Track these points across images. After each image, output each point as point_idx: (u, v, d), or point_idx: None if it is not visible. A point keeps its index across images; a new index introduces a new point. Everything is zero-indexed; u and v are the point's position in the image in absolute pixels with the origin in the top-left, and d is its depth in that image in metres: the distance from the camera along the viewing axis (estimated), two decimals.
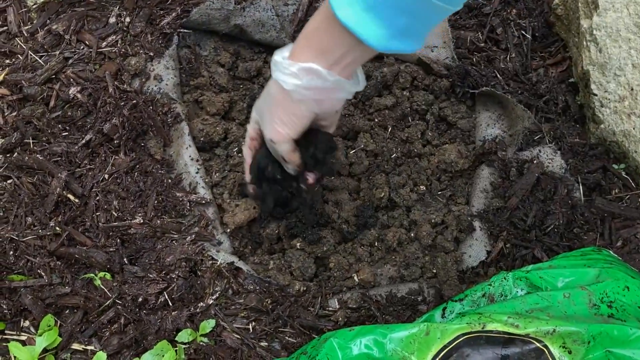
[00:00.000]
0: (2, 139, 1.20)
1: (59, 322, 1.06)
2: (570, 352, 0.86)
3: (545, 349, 0.86)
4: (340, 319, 1.07)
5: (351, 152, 1.26)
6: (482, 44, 1.37)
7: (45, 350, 1.03)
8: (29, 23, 1.35)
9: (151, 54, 1.31)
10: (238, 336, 1.06)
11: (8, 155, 1.19)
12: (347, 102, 1.33)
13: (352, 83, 0.91)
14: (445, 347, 0.87)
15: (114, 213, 1.14)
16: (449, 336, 0.87)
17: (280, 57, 0.90)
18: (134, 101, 1.23)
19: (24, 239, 1.10)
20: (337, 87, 0.89)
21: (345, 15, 0.77)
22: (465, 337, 0.87)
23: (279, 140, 0.96)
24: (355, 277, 1.14)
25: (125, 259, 1.10)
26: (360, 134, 1.28)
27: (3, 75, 1.26)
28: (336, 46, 0.84)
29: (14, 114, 1.23)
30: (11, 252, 1.09)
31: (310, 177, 1.05)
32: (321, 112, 0.94)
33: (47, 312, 1.06)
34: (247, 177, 1.11)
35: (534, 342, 0.86)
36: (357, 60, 0.87)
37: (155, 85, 1.28)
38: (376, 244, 1.18)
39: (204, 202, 1.18)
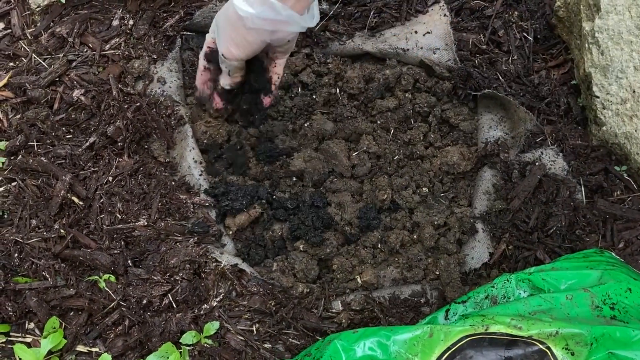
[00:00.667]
0: (7, 141, 1.20)
1: (63, 324, 1.06)
2: (573, 354, 0.86)
3: (548, 351, 0.87)
4: (343, 320, 1.08)
5: (354, 154, 1.27)
6: (484, 46, 1.38)
7: (50, 352, 1.03)
8: (32, 26, 1.35)
9: (154, 56, 1.31)
10: (242, 338, 1.06)
11: (12, 158, 1.19)
12: (350, 104, 1.33)
13: (306, 18, 0.97)
14: (448, 349, 0.87)
15: (118, 215, 1.14)
16: (453, 338, 0.88)
17: None
18: (138, 104, 1.23)
19: (29, 242, 1.11)
20: (289, 21, 0.95)
21: None
22: (469, 339, 0.87)
23: (230, 57, 1.03)
24: (359, 279, 1.14)
25: (129, 261, 1.11)
26: (363, 136, 1.29)
27: (7, 78, 1.27)
28: None
29: (18, 116, 1.23)
30: (16, 255, 1.10)
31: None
32: (273, 41, 1.01)
33: (52, 314, 1.06)
34: (199, 83, 1.17)
35: (537, 343, 0.87)
36: None
37: (159, 88, 1.28)
38: (379, 246, 1.18)
39: (207, 204, 1.18)
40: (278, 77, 1.13)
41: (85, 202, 1.15)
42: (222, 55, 1.04)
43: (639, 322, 0.91)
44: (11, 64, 1.30)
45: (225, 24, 1.00)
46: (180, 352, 1.02)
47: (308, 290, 1.13)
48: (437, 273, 1.14)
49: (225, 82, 1.12)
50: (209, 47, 1.11)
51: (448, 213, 1.21)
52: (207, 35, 1.10)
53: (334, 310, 1.10)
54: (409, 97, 1.33)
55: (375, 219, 1.19)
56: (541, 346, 0.87)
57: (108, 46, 1.33)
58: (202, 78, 1.16)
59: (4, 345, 1.04)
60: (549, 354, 0.86)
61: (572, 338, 0.86)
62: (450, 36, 1.35)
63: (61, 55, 1.30)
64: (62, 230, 1.11)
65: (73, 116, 1.24)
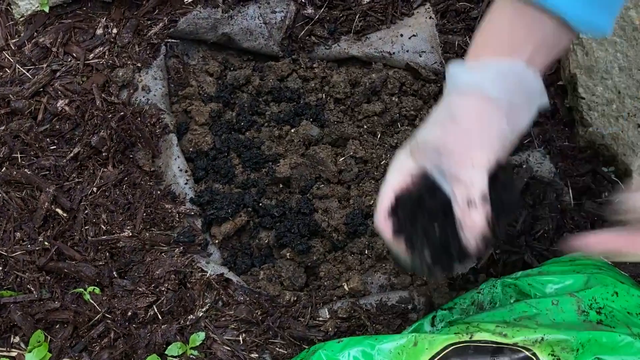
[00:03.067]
0: None
1: (49, 337, 1.06)
2: None
3: (534, 358, 0.86)
4: (330, 329, 1.07)
5: (340, 159, 1.26)
6: None
7: None
8: (16, 36, 1.34)
9: (139, 64, 1.31)
10: (228, 348, 1.06)
11: None
12: (336, 109, 1.33)
13: (542, 90, 0.73)
14: (433, 357, 0.87)
15: (102, 226, 1.14)
16: (437, 347, 0.87)
17: (458, 67, 0.72)
18: (122, 113, 1.23)
19: (13, 255, 1.10)
20: (537, 94, 0.72)
21: None
22: (453, 347, 0.87)
23: (482, 165, 0.72)
24: (346, 286, 1.14)
25: (114, 273, 1.10)
26: (350, 141, 1.28)
27: None
28: (530, 36, 0.69)
29: (2, 128, 1.23)
30: (0, 268, 1.09)
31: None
32: (513, 129, 0.73)
33: (37, 328, 1.06)
34: (394, 248, 0.81)
35: (523, 350, 0.86)
36: (549, 52, 0.71)
37: (144, 96, 1.28)
38: (366, 252, 1.18)
39: (193, 213, 1.17)
40: None
41: (70, 214, 1.15)
42: (472, 171, 0.73)
43: (625, 327, 0.90)
44: None
45: (459, 129, 0.72)
46: None
47: (295, 298, 1.12)
48: (425, 279, 1.14)
49: (477, 223, 0.74)
50: (396, 193, 0.79)
51: None
52: (392, 178, 0.80)
53: (320, 319, 1.09)
54: (396, 100, 1.32)
55: (362, 225, 1.18)
56: (527, 353, 0.86)
57: (92, 55, 1.32)
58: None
59: None
60: None
61: (558, 344, 0.86)
62: (436, 39, 1.34)
63: (45, 65, 1.30)
64: (46, 243, 1.11)
65: (57, 127, 1.23)
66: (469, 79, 0.70)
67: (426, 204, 0.76)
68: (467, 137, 0.72)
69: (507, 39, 0.70)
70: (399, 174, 0.80)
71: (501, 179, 0.75)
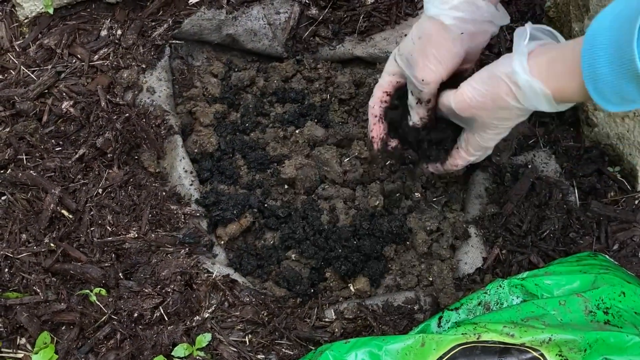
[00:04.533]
0: None
1: (55, 339, 1.06)
2: None
3: (541, 358, 0.86)
4: (336, 329, 1.07)
5: (345, 160, 1.26)
6: None
7: None
8: (20, 38, 1.35)
9: (143, 66, 1.31)
10: (235, 349, 1.05)
11: (2, 171, 1.19)
12: (341, 110, 1.32)
13: (501, 15, 0.97)
14: (440, 358, 0.87)
15: (108, 228, 1.14)
16: (445, 347, 0.87)
17: None
18: (127, 114, 1.23)
19: (19, 256, 1.10)
20: (491, 19, 0.95)
21: None
22: (461, 347, 0.87)
23: (432, 79, 0.97)
24: (352, 287, 1.14)
25: (120, 274, 1.10)
26: (354, 142, 1.28)
27: None
28: None
29: (7, 129, 1.23)
30: (6, 270, 1.09)
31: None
32: (471, 49, 0.98)
33: (43, 329, 1.06)
34: (376, 142, 1.12)
35: (530, 351, 0.86)
36: None
37: (148, 98, 1.28)
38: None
39: (198, 214, 1.17)
40: None
41: (75, 215, 1.15)
42: (423, 80, 0.98)
43: (633, 327, 0.90)
44: (0, 76, 1.30)
45: (422, 45, 0.96)
46: None
47: (301, 299, 1.12)
48: (431, 279, 1.14)
49: (419, 114, 1.04)
50: (386, 91, 1.08)
51: (441, 218, 1.20)
52: (382, 80, 1.07)
53: (327, 320, 1.09)
54: None
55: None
56: (534, 353, 0.86)
57: (97, 57, 1.32)
58: (378, 131, 1.11)
59: None
60: None
61: (565, 344, 0.86)
62: None
63: (50, 66, 1.30)
64: (52, 244, 1.11)
65: (62, 128, 1.24)
66: (433, 9, 0.94)
67: (400, 101, 1.07)
68: (425, 52, 0.96)
69: None
70: (387, 75, 1.07)
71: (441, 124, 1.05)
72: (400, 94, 1.08)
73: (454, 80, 0.99)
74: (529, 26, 0.89)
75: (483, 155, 1.05)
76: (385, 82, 1.07)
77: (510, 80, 0.88)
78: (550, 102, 0.86)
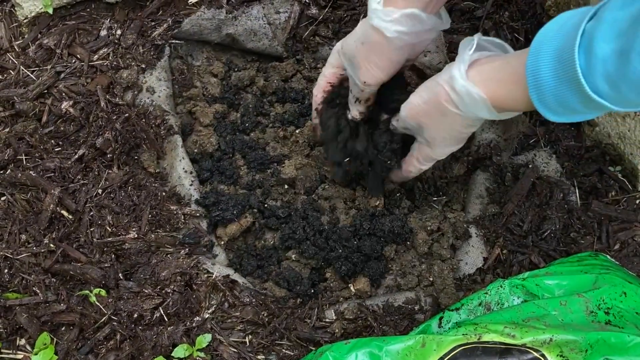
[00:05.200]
0: None
1: (55, 339, 1.06)
2: None
3: (542, 358, 0.86)
4: (337, 330, 1.07)
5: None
6: None
7: None
8: (20, 38, 1.34)
9: (143, 66, 1.30)
10: (235, 350, 1.05)
11: (1, 172, 1.18)
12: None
13: (442, 22, 0.99)
14: (441, 358, 0.87)
15: (108, 228, 1.14)
16: (445, 348, 0.87)
17: (375, 3, 0.94)
18: (127, 114, 1.22)
19: (19, 257, 1.10)
20: (432, 29, 0.97)
21: None
22: (462, 348, 0.87)
23: (373, 82, 1.02)
24: (352, 287, 1.13)
25: (120, 275, 1.10)
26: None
27: None
28: None
29: (7, 130, 1.23)
30: (6, 270, 1.09)
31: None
32: (413, 54, 1.01)
33: (42, 330, 1.05)
34: (314, 118, 1.18)
35: (531, 351, 0.86)
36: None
37: (148, 98, 1.27)
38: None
39: (198, 214, 1.17)
40: None
41: (75, 216, 1.14)
42: (364, 82, 1.02)
43: (634, 327, 0.90)
44: None
45: (364, 51, 0.99)
46: None
47: (301, 300, 1.12)
48: (431, 279, 1.13)
49: (359, 110, 1.10)
50: (329, 82, 1.12)
51: (441, 218, 1.20)
52: (326, 70, 1.11)
53: (327, 320, 1.09)
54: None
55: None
56: (535, 354, 0.86)
57: (96, 57, 1.32)
58: (315, 103, 1.17)
59: None
60: None
61: (566, 345, 0.85)
62: (441, 38, 1.34)
63: (49, 67, 1.30)
64: (51, 245, 1.11)
65: (62, 128, 1.23)
66: (377, 20, 0.94)
67: (340, 95, 1.13)
68: (367, 59, 0.99)
69: None
70: (331, 68, 1.11)
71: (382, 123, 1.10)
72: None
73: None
74: (477, 36, 0.90)
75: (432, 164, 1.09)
76: (329, 74, 1.12)
77: (449, 86, 0.89)
78: (490, 109, 0.86)
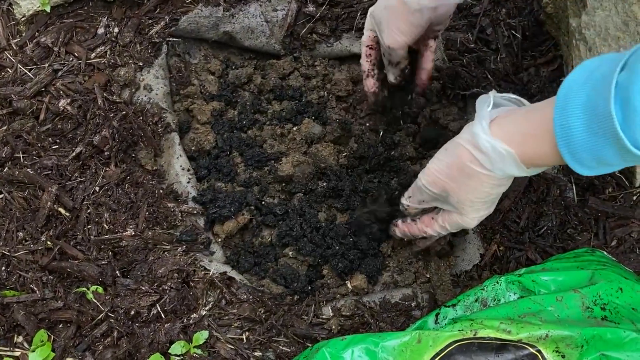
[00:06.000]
0: None
1: (52, 336, 1.06)
2: (563, 357, 0.85)
3: (538, 354, 0.86)
4: (334, 326, 1.07)
5: (342, 155, 1.26)
6: (472, 45, 1.37)
7: None
8: (17, 36, 1.34)
9: (140, 63, 1.30)
10: (232, 347, 1.05)
11: None
12: (338, 107, 1.32)
13: None
14: (437, 354, 0.87)
15: (105, 226, 1.14)
16: (441, 343, 0.87)
17: None
18: (124, 112, 1.22)
19: (16, 254, 1.10)
20: None
21: None
22: (458, 344, 0.87)
23: (397, 47, 1.05)
24: (349, 284, 1.14)
25: (117, 272, 1.10)
26: (352, 139, 1.28)
27: None
28: None
29: (4, 128, 1.23)
30: (3, 268, 1.09)
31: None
32: (436, 18, 1.03)
33: (40, 327, 1.06)
34: (370, 85, 1.18)
35: (527, 347, 0.86)
36: None
37: (145, 95, 1.27)
38: None
39: (195, 211, 1.17)
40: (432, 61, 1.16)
41: (72, 213, 1.15)
42: (389, 46, 1.06)
43: (630, 323, 0.90)
44: None
45: (387, 15, 1.03)
46: None
47: (298, 296, 1.12)
48: (428, 276, 1.13)
49: (394, 74, 1.13)
50: (368, 46, 1.14)
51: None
52: (364, 36, 1.14)
53: (324, 317, 1.09)
54: None
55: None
56: (531, 349, 0.86)
57: (94, 54, 1.32)
58: (371, 83, 1.18)
59: None
60: (540, 357, 0.85)
61: (562, 340, 0.85)
62: (438, 37, 1.33)
63: (47, 65, 1.30)
64: (49, 242, 1.11)
65: (59, 126, 1.23)
66: None
67: None
68: (389, 23, 1.03)
69: None
70: (367, 31, 1.13)
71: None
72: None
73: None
74: (492, 93, 0.86)
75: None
76: (365, 38, 1.14)
77: (471, 145, 0.84)
78: (518, 163, 0.81)
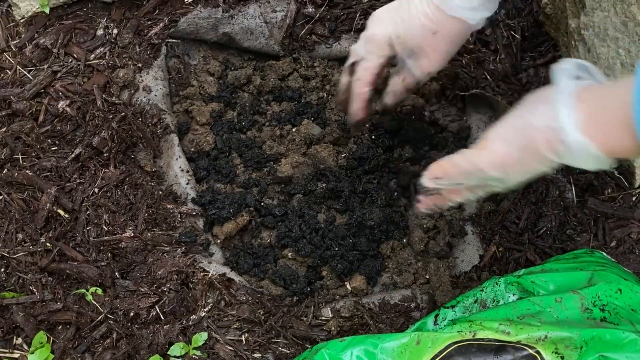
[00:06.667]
0: None
1: (51, 338, 1.06)
2: (562, 358, 0.85)
3: (537, 355, 0.86)
4: (333, 328, 1.07)
5: (342, 156, 1.26)
6: (471, 46, 1.36)
7: None
8: (17, 37, 1.34)
9: (140, 65, 1.30)
10: (231, 348, 1.05)
11: None
12: (337, 108, 1.32)
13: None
14: (436, 356, 0.86)
15: (104, 227, 1.14)
16: (440, 345, 0.87)
17: None
18: (123, 113, 1.22)
19: (15, 256, 1.10)
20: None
21: None
22: (457, 345, 0.87)
23: (436, 71, 1.03)
24: (348, 285, 1.14)
25: (116, 273, 1.10)
26: (350, 140, 1.28)
27: None
28: None
29: (3, 129, 1.23)
30: (2, 269, 1.10)
31: None
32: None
33: (39, 329, 1.06)
34: (359, 112, 1.10)
35: (526, 348, 0.86)
36: None
37: (144, 97, 1.28)
38: None
39: (194, 213, 1.17)
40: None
41: (71, 215, 1.15)
42: (429, 73, 1.03)
43: (629, 324, 0.90)
44: None
45: (437, 42, 0.99)
46: None
47: (297, 298, 1.12)
48: (427, 277, 1.14)
49: (397, 98, 1.10)
50: (376, 73, 1.05)
51: (437, 216, 1.20)
52: (368, 62, 1.05)
53: (323, 318, 1.09)
54: None
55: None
56: (530, 351, 0.86)
57: (93, 56, 1.32)
58: (362, 110, 1.10)
59: None
60: (539, 359, 0.85)
61: (561, 342, 0.85)
62: None
63: (46, 66, 1.30)
64: (48, 244, 1.11)
65: (58, 128, 1.23)
66: (460, 10, 0.94)
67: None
68: (439, 49, 0.99)
69: None
70: (377, 58, 1.05)
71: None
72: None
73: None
74: (569, 63, 0.77)
75: None
76: (374, 64, 1.05)
77: (554, 135, 0.75)
78: (602, 162, 0.74)
